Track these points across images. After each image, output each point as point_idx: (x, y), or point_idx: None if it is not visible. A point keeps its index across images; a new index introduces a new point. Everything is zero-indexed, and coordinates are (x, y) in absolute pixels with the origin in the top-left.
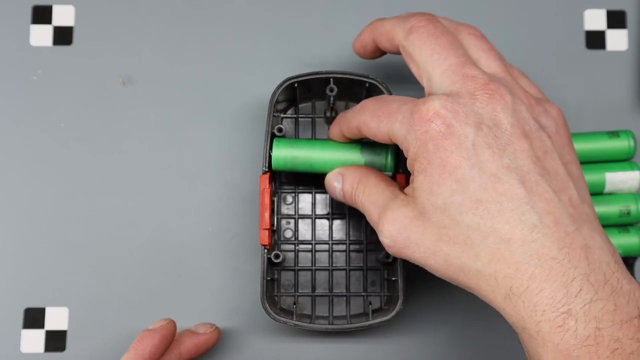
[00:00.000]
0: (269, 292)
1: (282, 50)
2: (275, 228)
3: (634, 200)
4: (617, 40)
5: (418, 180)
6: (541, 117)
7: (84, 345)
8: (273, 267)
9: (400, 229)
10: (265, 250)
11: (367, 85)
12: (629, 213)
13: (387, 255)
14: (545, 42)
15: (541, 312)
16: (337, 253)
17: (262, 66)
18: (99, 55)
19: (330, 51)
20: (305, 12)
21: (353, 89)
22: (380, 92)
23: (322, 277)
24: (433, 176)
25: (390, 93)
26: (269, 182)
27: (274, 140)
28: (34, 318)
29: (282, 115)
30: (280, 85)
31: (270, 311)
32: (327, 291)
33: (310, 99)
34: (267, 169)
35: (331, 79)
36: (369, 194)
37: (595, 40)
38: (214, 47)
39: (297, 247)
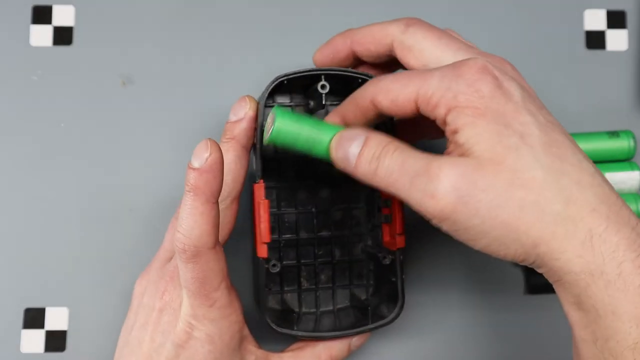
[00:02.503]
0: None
1: (283, 49)
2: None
3: (634, 201)
4: (617, 40)
5: (477, 126)
6: None
7: (84, 345)
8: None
9: (464, 174)
10: (264, 261)
11: (360, 81)
12: None
13: (385, 256)
14: (545, 42)
15: (622, 252)
16: (323, 247)
17: (263, 66)
18: (99, 55)
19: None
20: (306, 12)
21: (343, 88)
22: None
23: (308, 272)
24: (498, 120)
25: None
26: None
27: (277, 109)
28: (34, 318)
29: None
30: (271, 84)
31: (273, 325)
32: (314, 285)
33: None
34: (260, 176)
35: (322, 76)
36: (400, 158)
37: (595, 40)
38: (214, 47)
39: (280, 245)
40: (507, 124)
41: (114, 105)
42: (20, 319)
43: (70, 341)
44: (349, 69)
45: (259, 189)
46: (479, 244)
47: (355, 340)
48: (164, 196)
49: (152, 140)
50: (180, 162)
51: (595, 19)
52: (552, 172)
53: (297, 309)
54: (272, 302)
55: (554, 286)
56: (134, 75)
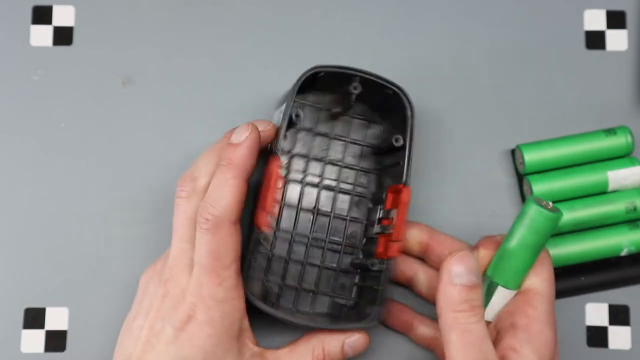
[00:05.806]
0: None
1: (283, 49)
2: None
3: (638, 196)
4: (617, 40)
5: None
6: None
7: (84, 345)
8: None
9: None
10: (258, 231)
11: (391, 92)
12: (635, 209)
13: (373, 264)
14: (545, 42)
15: None
16: (315, 249)
17: (263, 65)
18: (99, 55)
19: (330, 51)
20: (307, 13)
21: (372, 95)
22: (402, 105)
23: (294, 269)
24: None
25: (412, 108)
26: (280, 167)
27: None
28: (34, 318)
29: (301, 101)
30: (308, 71)
31: (254, 298)
32: (296, 284)
33: (324, 92)
34: (276, 151)
35: (357, 77)
36: (483, 331)
37: (595, 40)
38: (215, 47)
39: (276, 234)
40: None
41: (114, 105)
42: (20, 319)
43: (70, 341)
44: (384, 77)
45: (276, 161)
46: None
47: (351, 341)
48: (164, 196)
49: (152, 140)
50: (180, 162)
51: (595, 19)
52: None
53: (274, 300)
54: (255, 286)
55: None
56: (134, 75)
